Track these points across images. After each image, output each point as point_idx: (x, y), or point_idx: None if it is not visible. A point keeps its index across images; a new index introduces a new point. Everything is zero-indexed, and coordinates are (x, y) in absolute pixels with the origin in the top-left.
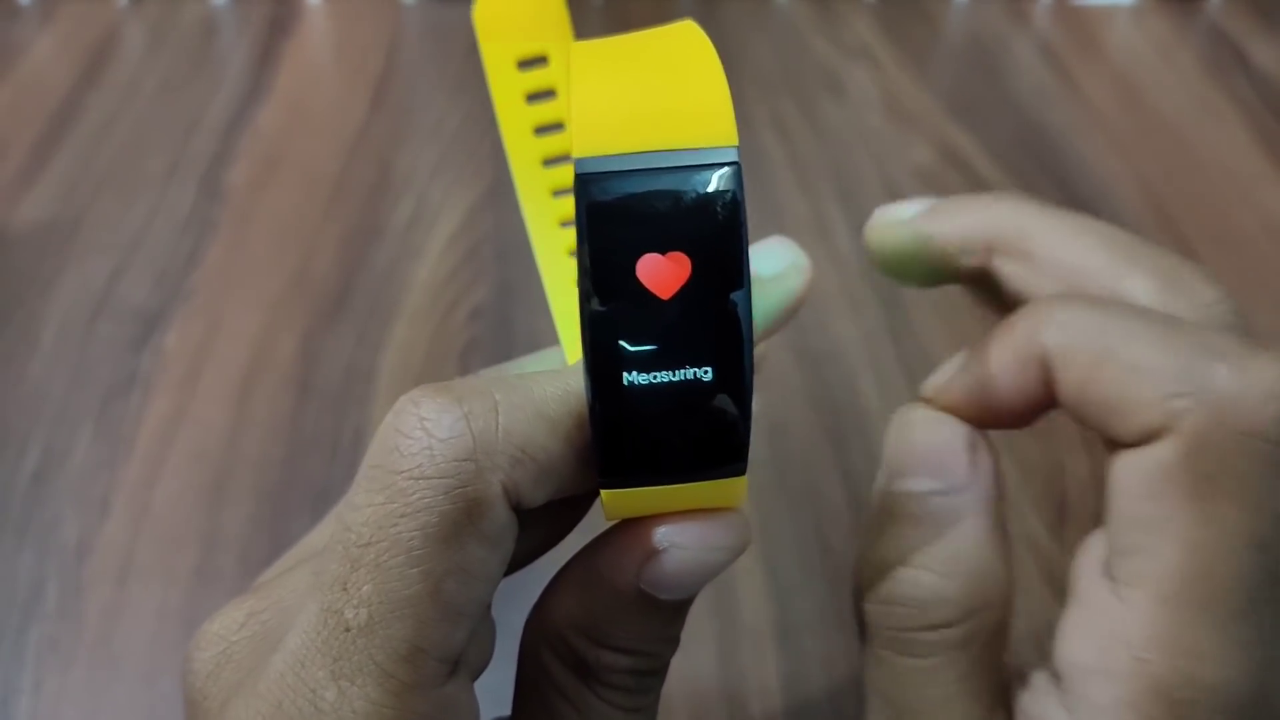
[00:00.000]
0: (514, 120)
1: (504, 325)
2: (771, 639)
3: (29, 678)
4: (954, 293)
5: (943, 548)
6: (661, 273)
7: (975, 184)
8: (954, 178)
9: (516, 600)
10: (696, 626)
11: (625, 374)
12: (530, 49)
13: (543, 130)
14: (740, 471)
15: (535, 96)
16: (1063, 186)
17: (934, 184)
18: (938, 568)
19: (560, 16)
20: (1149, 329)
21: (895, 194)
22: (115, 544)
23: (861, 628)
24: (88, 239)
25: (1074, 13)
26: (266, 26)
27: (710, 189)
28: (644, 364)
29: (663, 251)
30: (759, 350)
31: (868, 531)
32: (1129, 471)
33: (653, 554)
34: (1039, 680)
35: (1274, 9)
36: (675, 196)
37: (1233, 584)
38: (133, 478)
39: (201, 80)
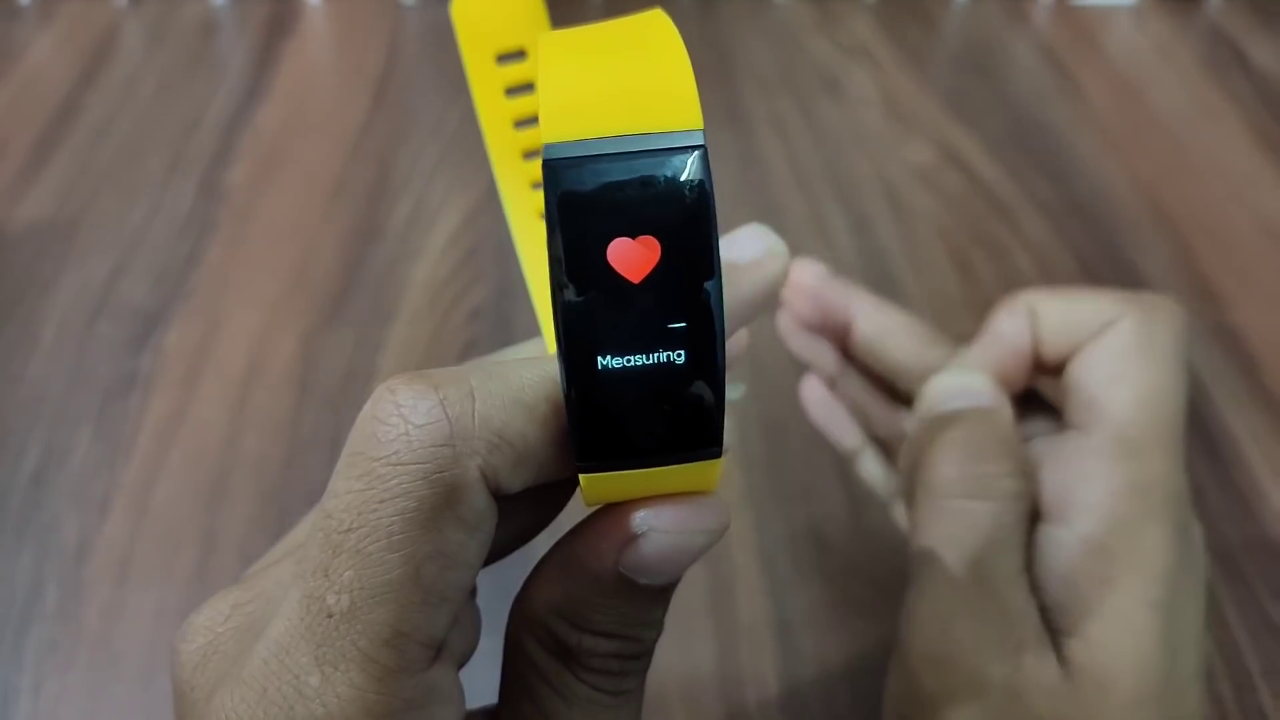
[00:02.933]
0: (493, 114)
1: (503, 325)
2: (768, 635)
3: (28, 678)
4: (952, 294)
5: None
6: (632, 256)
7: (974, 183)
8: (952, 177)
9: (507, 591)
10: (694, 623)
11: (599, 357)
12: (508, 43)
13: (522, 124)
14: (716, 454)
15: (514, 90)
16: (1061, 186)
17: (932, 182)
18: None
19: (538, 11)
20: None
21: (893, 193)
22: (115, 544)
23: (915, 494)
24: (88, 239)
25: (1073, 13)
26: (266, 26)
27: (676, 171)
28: (617, 347)
29: (632, 235)
30: (739, 337)
31: (927, 430)
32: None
33: (631, 538)
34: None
35: (1274, 9)
36: (642, 179)
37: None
38: (132, 478)
39: (201, 80)
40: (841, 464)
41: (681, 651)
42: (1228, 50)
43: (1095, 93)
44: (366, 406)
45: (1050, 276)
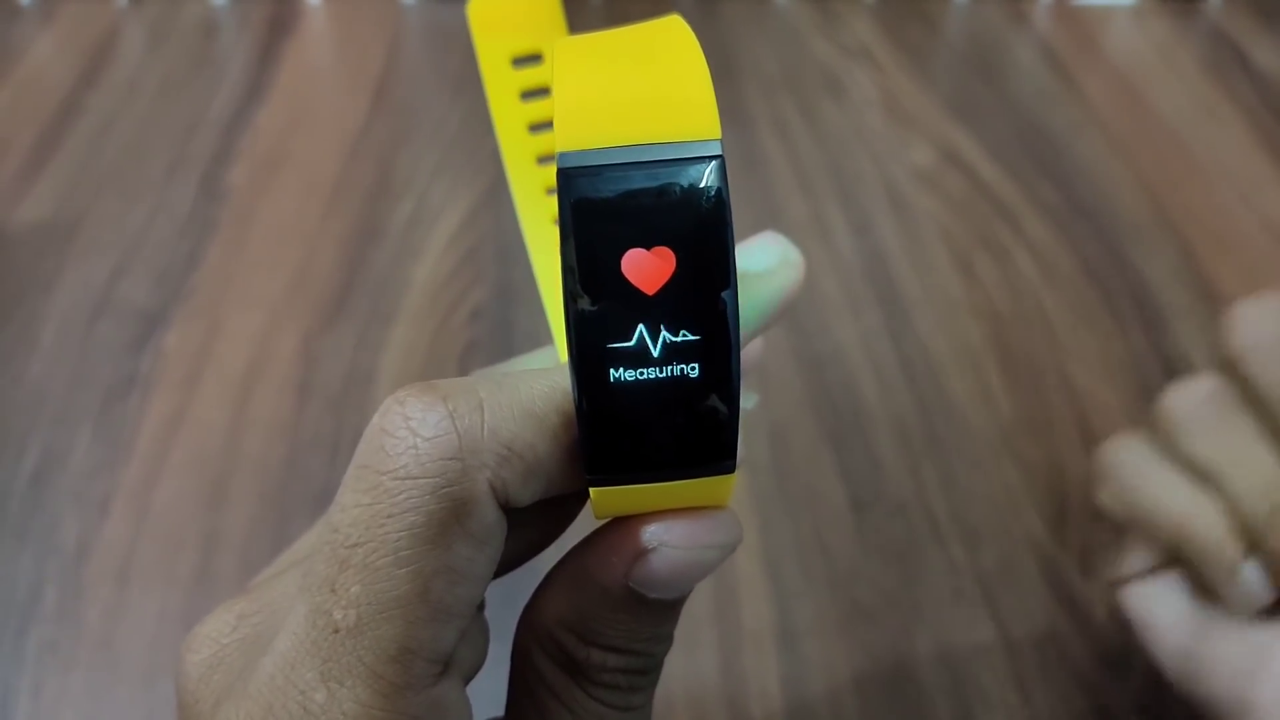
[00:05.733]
0: (508, 118)
1: (504, 326)
2: (772, 642)
3: (28, 679)
4: (953, 295)
5: None
6: (646, 268)
7: (975, 184)
8: (954, 178)
9: (515, 602)
10: (698, 630)
11: (611, 370)
12: (525, 46)
13: (537, 128)
14: (729, 469)
15: (530, 94)
16: (1062, 187)
17: (934, 184)
18: None
19: (555, 14)
20: None
21: (895, 194)
22: (115, 545)
23: None
24: (88, 239)
25: (1074, 13)
26: (266, 26)
27: (693, 182)
28: (630, 360)
29: (647, 246)
30: (754, 346)
31: None
32: None
33: (642, 553)
34: None
35: (1274, 9)
36: (658, 190)
37: None
38: (133, 479)
39: (201, 80)
40: (844, 468)
41: (686, 659)
42: (1228, 51)
43: (1096, 93)
44: (374, 418)
45: (1052, 278)
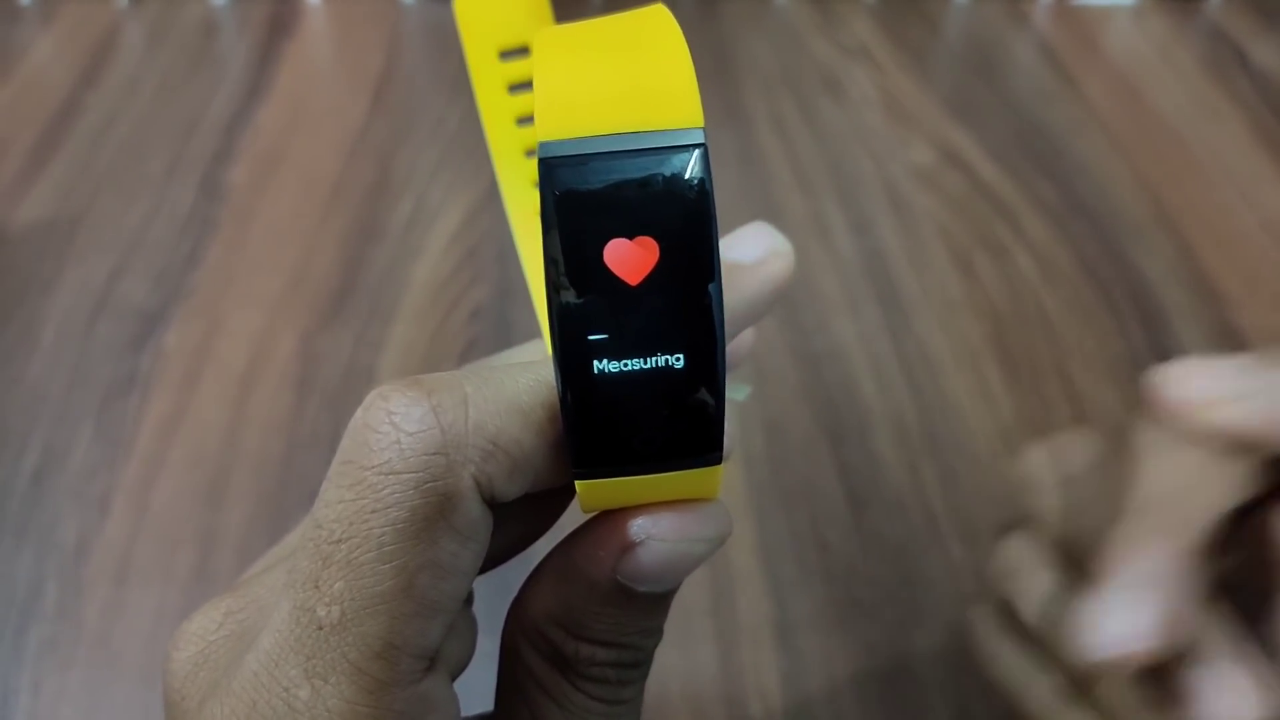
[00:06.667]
0: (495, 111)
1: (504, 325)
2: (770, 637)
3: (28, 677)
4: (952, 295)
5: None
6: (629, 258)
7: (975, 184)
8: (954, 178)
9: (507, 594)
10: (695, 624)
11: (595, 361)
12: (511, 39)
13: (524, 121)
14: (716, 461)
15: (517, 87)
16: (1062, 186)
17: (933, 183)
18: None
19: (542, 6)
20: None
21: (894, 193)
22: (114, 544)
23: None
24: (88, 239)
25: (1074, 13)
26: (266, 26)
27: (675, 170)
28: (614, 351)
29: (630, 236)
30: (744, 336)
31: None
32: None
33: (629, 546)
34: None
35: (1274, 9)
36: (640, 179)
37: None
38: (132, 478)
39: (201, 80)
40: (841, 463)
41: (682, 653)
42: (1228, 50)
43: (1095, 93)
44: (358, 413)
45: (1052, 276)
